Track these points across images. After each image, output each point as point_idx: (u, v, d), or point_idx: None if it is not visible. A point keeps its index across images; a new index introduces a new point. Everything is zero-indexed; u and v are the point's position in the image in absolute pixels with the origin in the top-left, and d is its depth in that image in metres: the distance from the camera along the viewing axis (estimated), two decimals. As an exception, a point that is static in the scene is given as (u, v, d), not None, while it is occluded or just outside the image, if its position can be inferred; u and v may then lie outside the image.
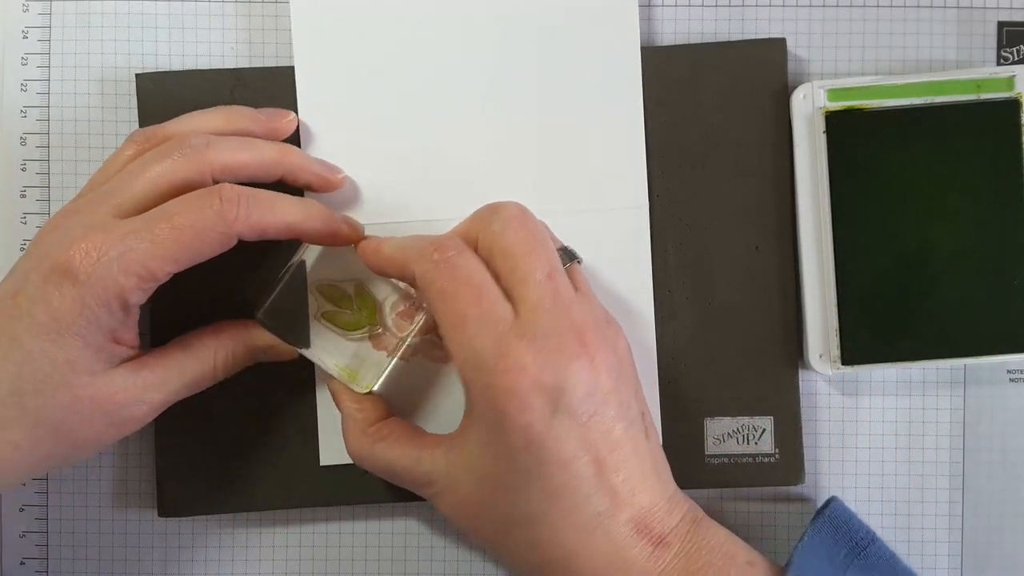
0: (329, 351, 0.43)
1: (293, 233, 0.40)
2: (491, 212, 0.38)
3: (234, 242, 0.38)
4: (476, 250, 0.38)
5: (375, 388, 0.43)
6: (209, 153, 0.39)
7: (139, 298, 0.38)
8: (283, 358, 0.43)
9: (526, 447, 0.35)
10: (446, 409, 0.45)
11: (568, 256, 0.40)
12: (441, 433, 0.40)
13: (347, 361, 0.43)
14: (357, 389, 0.42)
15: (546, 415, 0.35)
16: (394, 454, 0.40)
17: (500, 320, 0.35)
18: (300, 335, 0.43)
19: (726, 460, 0.45)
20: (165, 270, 0.37)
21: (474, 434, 0.37)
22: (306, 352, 0.43)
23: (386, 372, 0.43)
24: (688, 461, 0.45)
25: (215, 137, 0.40)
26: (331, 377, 0.43)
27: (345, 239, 0.41)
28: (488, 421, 0.36)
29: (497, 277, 0.37)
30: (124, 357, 0.39)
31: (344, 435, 0.42)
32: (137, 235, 0.36)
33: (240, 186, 0.38)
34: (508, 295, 0.36)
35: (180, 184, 0.38)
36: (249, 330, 0.43)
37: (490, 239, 0.37)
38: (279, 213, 0.39)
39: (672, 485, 0.39)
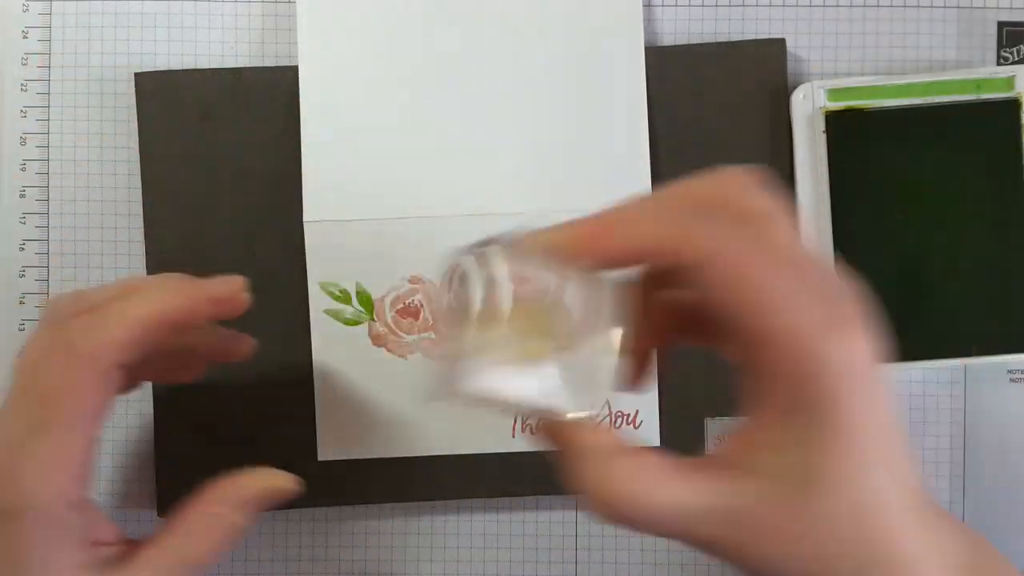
0: (508, 383, 0.29)
1: (165, 328, 0.33)
2: (697, 235, 0.28)
3: (113, 376, 0.33)
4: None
5: (595, 408, 0.30)
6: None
7: (72, 493, 0.32)
8: (289, 495, 0.37)
9: (870, 400, 0.27)
10: (448, 409, 0.45)
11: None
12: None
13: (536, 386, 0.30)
14: (576, 413, 0.29)
15: (877, 375, 0.27)
16: (689, 491, 0.27)
17: (813, 287, 0.27)
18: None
19: None
20: (71, 456, 0.32)
21: (789, 434, 0.27)
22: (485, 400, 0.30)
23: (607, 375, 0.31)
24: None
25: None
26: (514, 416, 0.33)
27: (228, 304, 0.35)
28: (807, 402, 0.26)
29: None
30: (111, 556, 0.34)
31: (593, 485, 0.28)
32: (26, 434, 0.32)
33: (80, 320, 0.33)
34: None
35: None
36: (240, 486, 0.36)
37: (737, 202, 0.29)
38: (128, 325, 0.33)
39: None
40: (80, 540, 0.33)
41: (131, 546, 0.35)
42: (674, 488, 0.27)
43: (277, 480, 0.36)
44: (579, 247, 0.29)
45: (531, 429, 0.45)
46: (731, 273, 0.27)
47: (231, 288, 0.35)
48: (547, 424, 0.30)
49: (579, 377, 0.30)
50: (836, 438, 0.26)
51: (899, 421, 0.28)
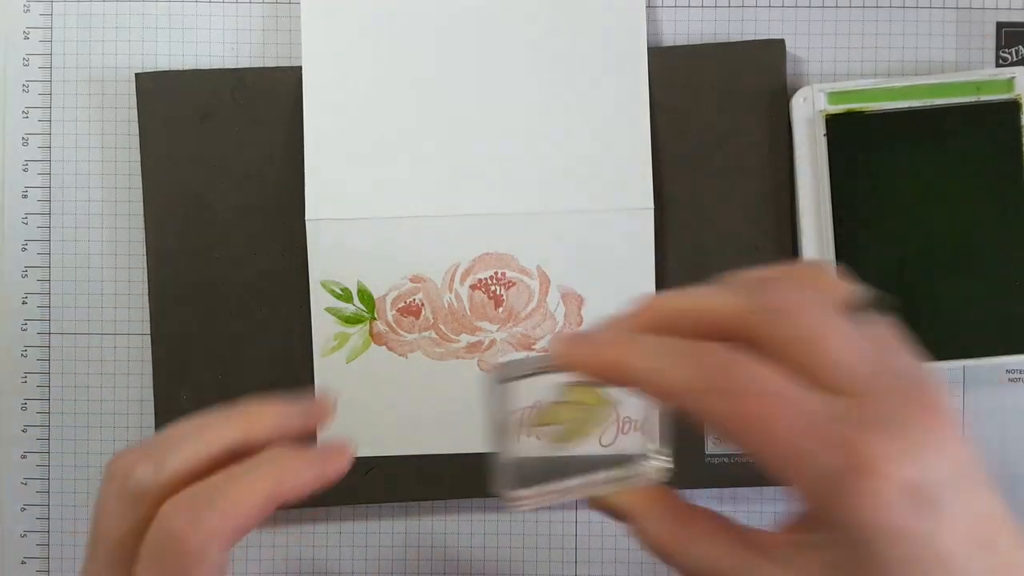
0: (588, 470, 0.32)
1: (274, 506, 0.31)
2: (756, 294, 0.30)
3: (223, 564, 0.31)
4: (746, 341, 0.29)
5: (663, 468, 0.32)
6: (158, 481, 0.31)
7: None
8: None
9: (900, 555, 0.27)
10: (447, 408, 0.45)
11: (872, 305, 0.31)
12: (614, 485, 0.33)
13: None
14: (634, 483, 0.32)
15: (916, 511, 0.27)
16: (717, 552, 0.30)
17: (825, 417, 0.28)
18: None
19: (726, 460, 0.45)
20: None
21: (826, 553, 0.28)
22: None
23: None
24: (688, 461, 0.45)
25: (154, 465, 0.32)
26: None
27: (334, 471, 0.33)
28: (844, 537, 0.28)
29: (794, 368, 0.29)
30: None
31: (642, 529, 0.32)
32: None
33: (182, 498, 0.31)
34: (809, 381, 0.28)
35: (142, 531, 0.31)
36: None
37: (770, 331, 0.29)
38: (239, 509, 0.31)
39: None
40: None
41: None
42: (708, 548, 0.30)
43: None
44: (591, 365, 0.30)
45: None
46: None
47: (324, 416, 0.34)
48: (603, 502, 0.32)
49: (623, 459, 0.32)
50: None
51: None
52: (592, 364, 0.29)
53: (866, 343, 0.29)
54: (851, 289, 0.30)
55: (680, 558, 0.31)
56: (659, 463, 0.32)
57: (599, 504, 0.32)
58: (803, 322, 0.29)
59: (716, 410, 0.28)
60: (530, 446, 0.32)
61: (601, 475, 0.32)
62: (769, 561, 0.29)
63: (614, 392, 0.32)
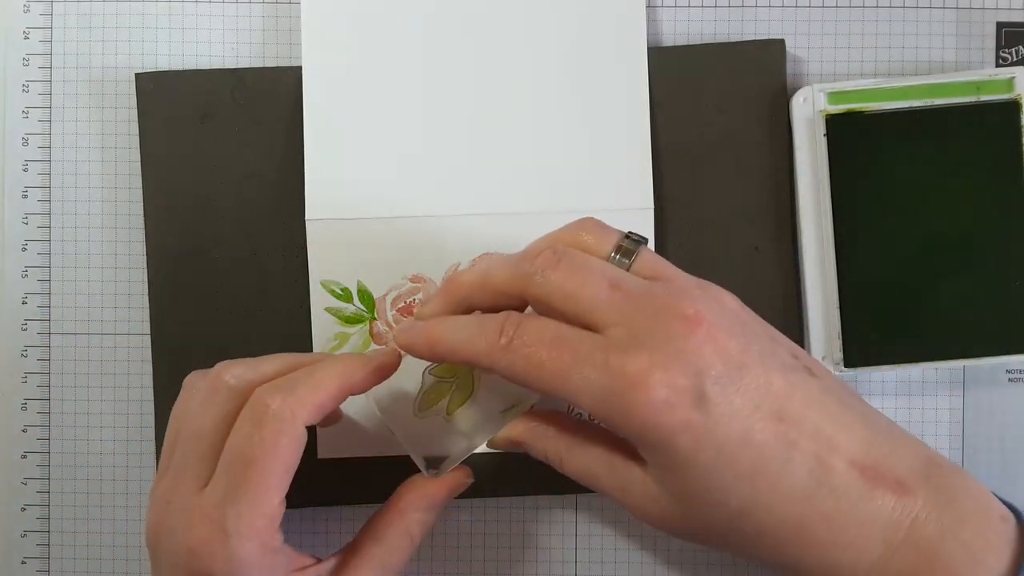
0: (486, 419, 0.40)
1: (344, 396, 0.37)
2: (527, 262, 0.36)
3: (304, 437, 0.36)
4: (533, 306, 0.36)
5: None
6: (249, 389, 0.37)
7: (274, 541, 0.36)
8: (468, 485, 0.42)
9: (697, 446, 0.32)
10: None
11: (632, 243, 0.36)
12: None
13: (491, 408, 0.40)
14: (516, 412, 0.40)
15: (697, 405, 0.32)
16: (592, 456, 0.37)
17: (596, 350, 0.33)
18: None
19: None
20: (272, 511, 0.35)
21: (649, 459, 0.34)
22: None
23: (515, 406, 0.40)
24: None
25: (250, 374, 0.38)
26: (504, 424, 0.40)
27: (390, 369, 0.39)
28: (650, 444, 0.33)
29: (567, 319, 0.34)
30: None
31: (533, 452, 0.39)
32: (229, 498, 0.35)
33: (271, 387, 0.36)
34: (589, 328, 0.34)
35: (231, 423, 0.37)
36: (428, 490, 0.40)
37: (538, 292, 0.35)
38: (319, 391, 0.36)
39: (882, 419, 0.35)
40: (284, 572, 0.36)
41: (333, 561, 0.39)
42: (584, 454, 0.38)
43: (459, 476, 0.41)
44: (414, 349, 0.37)
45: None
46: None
47: (393, 359, 0.39)
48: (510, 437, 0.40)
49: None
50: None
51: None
52: (419, 348, 0.36)
53: (620, 281, 0.34)
54: (607, 236, 0.36)
55: (564, 467, 0.38)
56: (527, 395, 0.39)
57: (496, 444, 0.40)
58: (560, 280, 0.34)
59: (505, 365, 0.34)
60: (431, 426, 0.40)
61: (491, 421, 0.39)
62: (635, 461, 0.35)
63: None
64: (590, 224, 0.37)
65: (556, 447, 0.38)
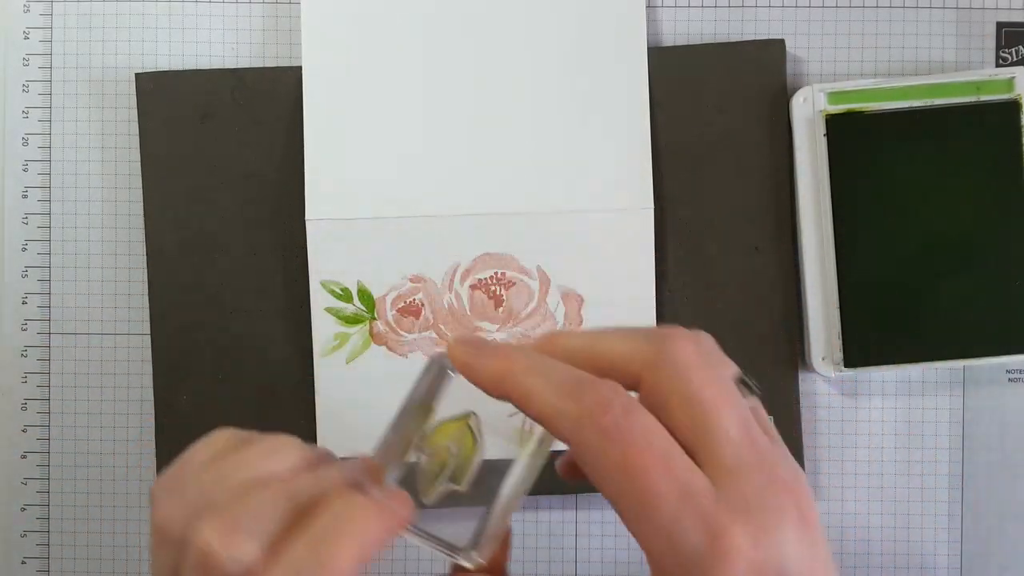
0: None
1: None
2: (659, 344, 0.30)
3: None
4: (640, 392, 0.30)
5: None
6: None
7: None
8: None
9: None
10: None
11: (747, 388, 0.32)
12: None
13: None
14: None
15: None
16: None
17: (700, 493, 0.28)
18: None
19: None
20: None
21: None
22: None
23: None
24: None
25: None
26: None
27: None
28: None
29: (673, 429, 0.29)
30: None
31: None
32: None
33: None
34: (691, 451, 0.29)
35: None
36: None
37: (665, 383, 0.29)
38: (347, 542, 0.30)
39: None
40: None
41: None
42: None
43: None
44: (485, 383, 0.30)
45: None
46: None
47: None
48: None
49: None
50: None
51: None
52: (483, 372, 0.30)
53: (749, 424, 0.29)
54: (727, 362, 0.31)
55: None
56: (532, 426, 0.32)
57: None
58: (699, 384, 0.29)
59: (592, 447, 0.28)
60: (445, 505, 0.33)
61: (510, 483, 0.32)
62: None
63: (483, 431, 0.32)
64: (710, 341, 0.31)
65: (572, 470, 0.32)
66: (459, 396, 0.32)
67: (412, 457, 0.32)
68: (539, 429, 0.31)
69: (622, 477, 0.28)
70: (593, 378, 0.29)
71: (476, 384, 0.30)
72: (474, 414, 0.33)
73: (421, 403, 0.32)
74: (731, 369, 0.31)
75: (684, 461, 0.29)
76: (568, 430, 0.29)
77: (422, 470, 0.32)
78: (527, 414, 0.30)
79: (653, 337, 0.30)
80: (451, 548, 0.32)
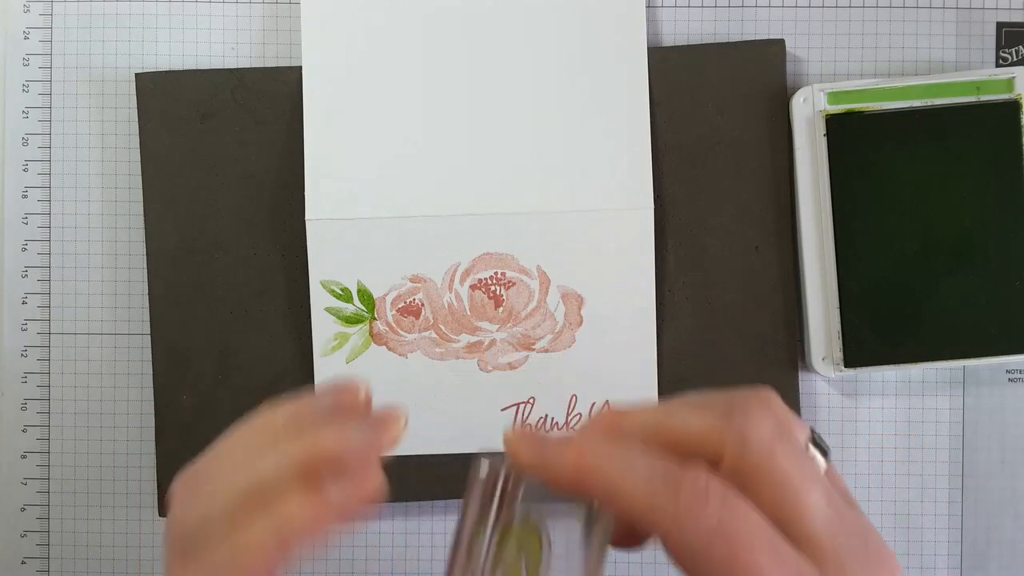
0: None
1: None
2: (735, 420, 0.28)
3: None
4: (721, 470, 0.28)
5: None
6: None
7: None
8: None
9: None
10: (447, 408, 0.45)
11: (819, 450, 0.30)
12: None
13: None
14: None
15: None
16: None
17: None
18: None
19: None
20: None
21: None
22: None
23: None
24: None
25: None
26: None
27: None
28: None
29: (759, 505, 0.28)
30: None
31: None
32: None
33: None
34: (780, 528, 0.28)
35: None
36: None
37: (750, 463, 0.28)
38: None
39: None
40: None
41: None
42: None
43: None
44: (549, 469, 0.28)
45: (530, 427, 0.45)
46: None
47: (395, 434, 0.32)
48: None
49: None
50: None
51: None
52: (561, 471, 0.28)
53: (831, 493, 0.28)
54: (799, 423, 0.29)
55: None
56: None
57: None
58: (784, 462, 0.28)
59: (692, 541, 0.27)
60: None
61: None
62: None
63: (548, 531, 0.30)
64: (780, 405, 0.29)
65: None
66: (517, 496, 0.30)
67: None
68: (605, 516, 0.30)
69: (731, 572, 0.27)
70: (680, 468, 0.27)
71: (550, 483, 0.28)
72: (534, 513, 0.30)
73: (481, 515, 0.30)
74: (804, 432, 0.29)
75: (789, 550, 0.27)
76: (666, 527, 0.27)
77: (507, 567, 0.30)
78: (613, 510, 0.29)
79: (726, 410, 0.29)
80: None
